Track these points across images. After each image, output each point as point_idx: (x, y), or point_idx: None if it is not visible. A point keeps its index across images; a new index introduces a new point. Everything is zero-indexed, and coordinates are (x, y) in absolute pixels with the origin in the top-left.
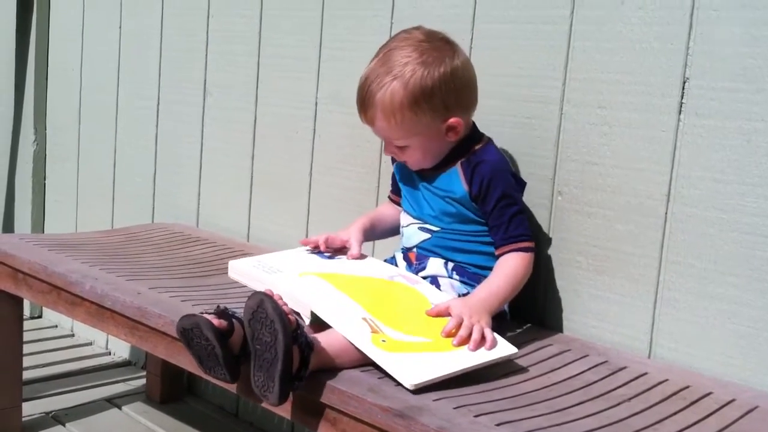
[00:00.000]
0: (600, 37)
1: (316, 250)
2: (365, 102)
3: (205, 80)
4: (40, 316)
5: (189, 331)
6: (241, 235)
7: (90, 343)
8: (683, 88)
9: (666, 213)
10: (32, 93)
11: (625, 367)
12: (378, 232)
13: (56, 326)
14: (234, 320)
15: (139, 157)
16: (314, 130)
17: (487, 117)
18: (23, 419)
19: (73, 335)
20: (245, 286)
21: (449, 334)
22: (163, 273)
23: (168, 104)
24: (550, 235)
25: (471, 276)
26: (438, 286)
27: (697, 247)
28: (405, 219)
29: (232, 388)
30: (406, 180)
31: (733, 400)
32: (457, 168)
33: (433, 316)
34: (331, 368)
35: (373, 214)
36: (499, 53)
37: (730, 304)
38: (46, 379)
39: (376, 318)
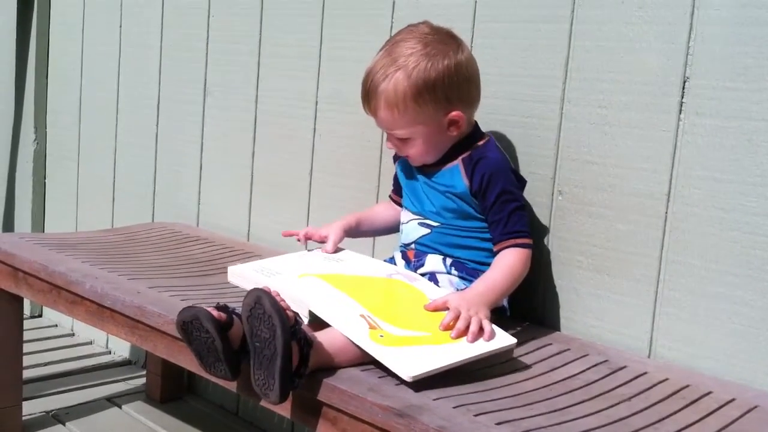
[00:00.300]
0: (600, 36)
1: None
2: (369, 92)
3: (205, 80)
4: (40, 315)
5: (189, 324)
6: (242, 234)
7: (90, 342)
8: (684, 88)
9: (666, 212)
10: (32, 92)
11: (624, 367)
12: (364, 230)
13: (56, 325)
14: (234, 315)
15: (139, 156)
16: (314, 129)
17: (487, 116)
18: (23, 418)
19: (73, 334)
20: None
21: (447, 327)
22: (163, 272)
23: (168, 103)
24: (550, 235)
25: (469, 271)
26: (436, 283)
27: (698, 247)
28: (405, 216)
29: (232, 386)
30: (408, 177)
31: (733, 400)
32: (459, 164)
33: (431, 311)
34: (330, 367)
35: (363, 213)
36: (500, 52)
37: (731, 303)
38: (47, 378)
39: (374, 315)
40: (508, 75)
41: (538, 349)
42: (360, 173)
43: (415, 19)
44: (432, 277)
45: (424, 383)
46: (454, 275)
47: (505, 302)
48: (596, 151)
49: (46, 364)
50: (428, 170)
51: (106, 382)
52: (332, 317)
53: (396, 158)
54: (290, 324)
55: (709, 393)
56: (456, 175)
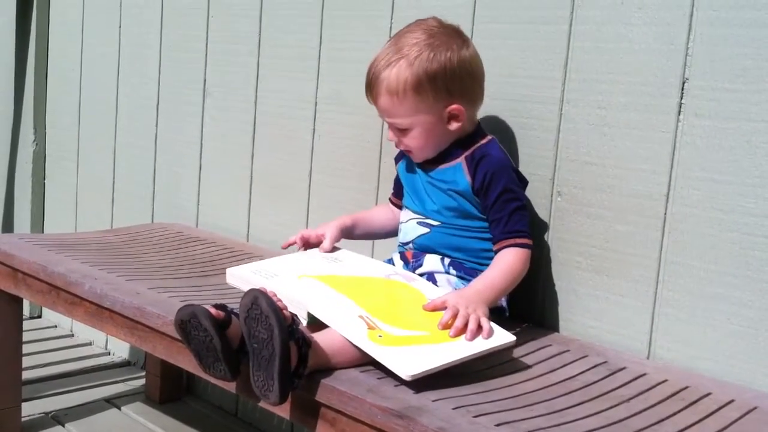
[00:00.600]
0: (600, 37)
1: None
2: (371, 79)
3: (204, 80)
4: (39, 316)
5: (187, 323)
6: (241, 235)
7: (89, 343)
8: (683, 89)
9: (665, 213)
10: (32, 93)
11: (624, 368)
12: (360, 231)
13: (56, 326)
14: (232, 314)
15: (138, 157)
16: (314, 130)
17: (486, 117)
18: (23, 419)
19: (72, 335)
20: None
21: (446, 326)
22: (162, 273)
23: (168, 104)
24: (550, 236)
25: (468, 271)
26: (435, 282)
27: (697, 248)
28: (405, 215)
29: (231, 387)
30: (410, 175)
31: (732, 401)
32: (461, 161)
33: (430, 311)
34: (329, 368)
35: (360, 214)
36: (499, 53)
37: (730, 304)
38: (46, 379)
39: (373, 315)
40: (508, 76)
41: (537, 350)
42: (359, 174)
43: (415, 20)
44: (430, 277)
45: (423, 384)
46: (453, 275)
47: (504, 303)
48: (595, 152)
49: (45, 365)
50: (430, 168)
51: (106, 383)
52: (331, 318)
53: (397, 159)
54: (288, 324)
55: (709, 394)
56: (458, 172)
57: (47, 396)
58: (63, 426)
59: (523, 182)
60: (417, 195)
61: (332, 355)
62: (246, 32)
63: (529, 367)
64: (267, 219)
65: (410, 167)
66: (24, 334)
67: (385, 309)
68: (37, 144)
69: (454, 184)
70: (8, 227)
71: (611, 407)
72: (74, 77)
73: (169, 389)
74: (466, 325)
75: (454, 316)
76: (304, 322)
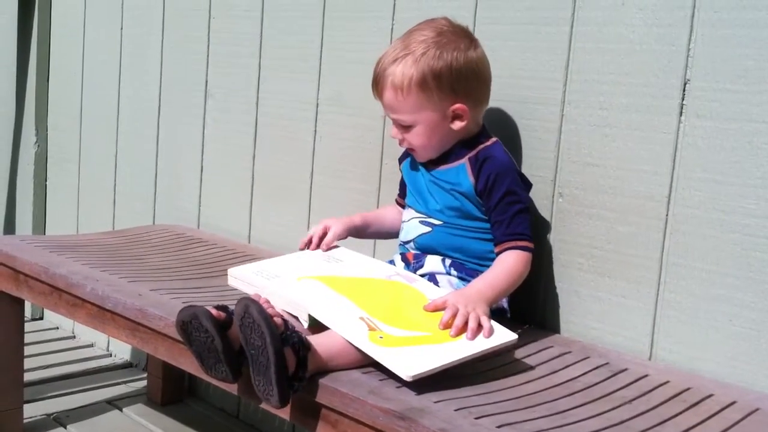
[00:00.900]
0: (601, 38)
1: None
2: (378, 74)
3: (206, 82)
4: (41, 318)
5: (188, 324)
6: (242, 236)
7: (91, 345)
8: (684, 90)
9: (667, 215)
10: (33, 94)
11: (625, 369)
12: (371, 231)
13: (57, 328)
14: (233, 316)
15: (140, 158)
16: (315, 131)
17: (487, 118)
18: (24, 421)
19: (74, 337)
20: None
21: (447, 326)
22: (164, 275)
23: (169, 106)
24: (551, 237)
25: (469, 272)
26: (436, 283)
27: (698, 249)
28: (407, 214)
29: (233, 389)
30: (413, 175)
31: (734, 402)
32: (465, 162)
33: (431, 311)
34: (331, 369)
35: (372, 214)
36: (500, 54)
37: (731, 305)
38: (48, 380)
39: (373, 316)
40: (509, 77)
41: (538, 351)
42: (361, 175)
43: (417, 21)
44: (431, 277)
45: (425, 385)
46: (454, 276)
47: (505, 304)
48: (597, 153)
49: (47, 367)
50: (434, 168)
51: (107, 385)
52: (331, 320)
53: (401, 159)
54: (279, 331)
55: (710, 395)
56: (462, 173)
57: (49, 398)
58: (65, 428)
59: (527, 185)
60: (420, 194)
61: (333, 357)
62: (247, 34)
63: (531, 368)
64: (268, 220)
65: (414, 166)
66: (26, 335)
67: (386, 310)
68: (38, 145)
69: (458, 185)
70: (10, 229)
71: (613, 408)
72: (76, 79)
73: (170, 391)
74: (466, 323)
75: (454, 315)
76: (305, 324)
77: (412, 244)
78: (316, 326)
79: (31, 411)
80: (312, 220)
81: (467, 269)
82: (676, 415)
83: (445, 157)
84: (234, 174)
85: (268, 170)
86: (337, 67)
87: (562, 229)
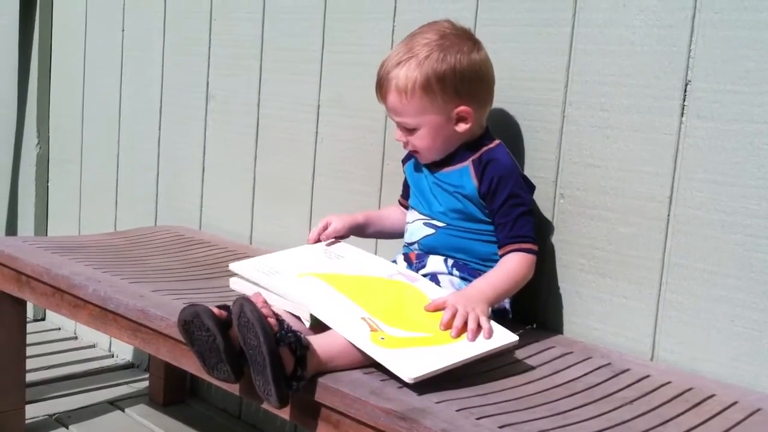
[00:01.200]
0: (602, 39)
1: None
2: (381, 78)
3: (207, 83)
4: (43, 319)
5: (190, 323)
6: (244, 237)
7: (93, 346)
8: (685, 91)
9: (668, 215)
10: (35, 96)
11: (627, 370)
12: (372, 230)
13: (59, 329)
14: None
15: (141, 159)
16: (317, 133)
17: (489, 119)
18: (26, 421)
19: (76, 338)
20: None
21: (447, 326)
22: (166, 275)
23: (171, 107)
24: (553, 238)
25: (471, 272)
26: (438, 283)
27: (700, 250)
28: (411, 216)
29: (234, 389)
30: (416, 178)
31: (735, 403)
32: (469, 165)
33: (432, 311)
34: (331, 369)
35: (373, 213)
36: (501, 56)
37: (733, 306)
38: (50, 381)
39: (375, 317)
40: (510, 78)
41: (540, 352)
42: (362, 177)
43: (417, 24)
44: (433, 277)
45: (426, 386)
46: (456, 276)
47: (507, 305)
48: (598, 154)
49: (49, 368)
50: (437, 170)
51: (109, 386)
52: (333, 320)
53: (405, 161)
54: (273, 332)
55: (712, 396)
56: (465, 175)
57: (51, 398)
58: (67, 428)
59: (530, 187)
60: (423, 196)
61: (334, 357)
62: (249, 36)
63: (532, 368)
64: (270, 222)
65: (417, 168)
66: (28, 336)
67: (388, 310)
68: (40, 147)
69: (461, 188)
70: (12, 230)
71: (615, 409)
72: (77, 80)
73: (172, 391)
74: (465, 324)
75: (454, 315)
76: (307, 324)
77: (416, 245)
78: (318, 326)
79: (33, 411)
80: (313, 222)
81: (470, 269)
82: (678, 416)
83: (448, 160)
84: (235, 175)
85: (270, 172)
86: (338, 69)
87: (563, 230)
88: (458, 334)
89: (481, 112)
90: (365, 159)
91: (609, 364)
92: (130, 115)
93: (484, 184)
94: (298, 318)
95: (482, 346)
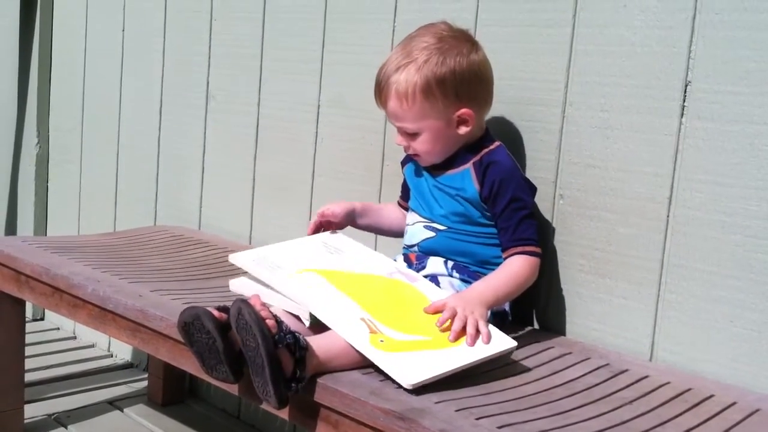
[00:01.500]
0: (602, 40)
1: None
2: (380, 84)
3: (207, 83)
4: (42, 319)
5: (190, 325)
6: (243, 237)
7: (92, 346)
8: (685, 92)
9: (668, 216)
10: (35, 95)
11: (626, 370)
12: (366, 221)
13: (58, 328)
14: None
15: (141, 159)
16: (316, 133)
17: (488, 119)
18: (25, 421)
19: (75, 337)
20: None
21: (444, 328)
22: (165, 276)
23: (171, 107)
24: (552, 238)
25: (471, 274)
26: (438, 284)
27: (699, 251)
28: (412, 218)
29: (233, 389)
30: (417, 180)
31: (734, 403)
32: (470, 168)
33: (431, 314)
34: (331, 370)
35: (370, 204)
36: (502, 56)
37: (732, 307)
38: (49, 381)
39: (375, 318)
40: (510, 79)
41: (539, 352)
42: (362, 177)
43: (418, 23)
44: (433, 279)
45: (425, 386)
46: (456, 278)
47: (507, 307)
48: (598, 155)
49: (48, 368)
50: (437, 173)
51: (108, 386)
52: (333, 321)
53: (404, 163)
54: (272, 333)
55: (711, 396)
56: (467, 178)
57: (50, 398)
58: (65, 428)
59: (532, 189)
60: (424, 199)
61: (333, 357)
62: (249, 35)
63: (531, 369)
64: (269, 222)
65: (417, 171)
66: (27, 336)
67: (388, 311)
68: (40, 147)
69: (462, 191)
70: (11, 230)
71: (614, 409)
72: (77, 80)
73: (171, 391)
74: (463, 327)
75: (451, 317)
76: (306, 323)
77: (416, 248)
78: (318, 325)
79: (32, 411)
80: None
81: (470, 271)
82: (677, 416)
83: (449, 162)
84: (235, 175)
85: (270, 172)
86: (338, 69)
87: (563, 231)
88: (456, 338)
89: (481, 113)
90: (365, 159)
91: (608, 364)
92: (129, 115)
93: (485, 187)
94: (298, 318)
95: (481, 351)
